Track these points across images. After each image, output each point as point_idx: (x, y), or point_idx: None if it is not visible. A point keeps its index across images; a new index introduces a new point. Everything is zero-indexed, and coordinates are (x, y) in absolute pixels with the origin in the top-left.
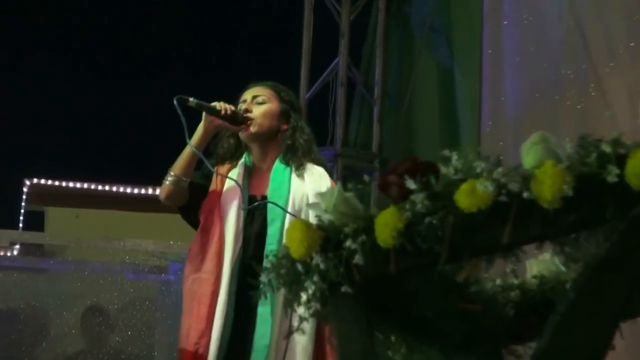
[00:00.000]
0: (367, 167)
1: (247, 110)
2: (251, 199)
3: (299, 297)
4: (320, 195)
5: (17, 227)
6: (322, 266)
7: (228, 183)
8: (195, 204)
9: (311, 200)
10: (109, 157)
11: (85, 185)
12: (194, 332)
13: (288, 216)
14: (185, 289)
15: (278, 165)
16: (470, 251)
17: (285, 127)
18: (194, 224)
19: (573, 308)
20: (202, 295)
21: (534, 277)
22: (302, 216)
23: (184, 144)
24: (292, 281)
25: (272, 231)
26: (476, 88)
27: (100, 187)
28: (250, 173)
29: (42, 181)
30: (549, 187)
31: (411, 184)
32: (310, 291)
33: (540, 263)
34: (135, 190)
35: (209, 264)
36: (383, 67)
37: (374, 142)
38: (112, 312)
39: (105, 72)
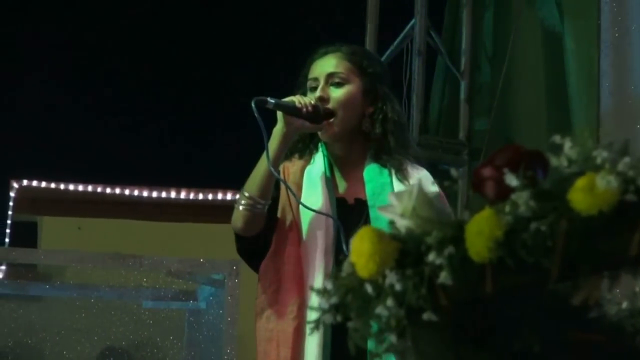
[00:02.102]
0: (453, 159)
1: (322, 99)
2: (340, 203)
3: (369, 327)
4: (396, 195)
5: (2, 243)
6: (398, 287)
7: (306, 185)
8: (271, 227)
9: None
10: (118, 153)
11: (90, 188)
12: None
13: None
14: (259, 329)
15: (372, 164)
16: (589, 266)
17: (370, 109)
18: (260, 256)
19: None
20: (282, 333)
21: None
22: None
23: (215, 140)
24: (360, 307)
25: None
26: (593, 57)
27: (108, 191)
28: (332, 170)
29: (35, 183)
30: None
31: (512, 180)
32: (383, 319)
33: None
34: (154, 194)
35: (287, 294)
36: (472, 32)
37: (462, 128)
38: (126, 350)
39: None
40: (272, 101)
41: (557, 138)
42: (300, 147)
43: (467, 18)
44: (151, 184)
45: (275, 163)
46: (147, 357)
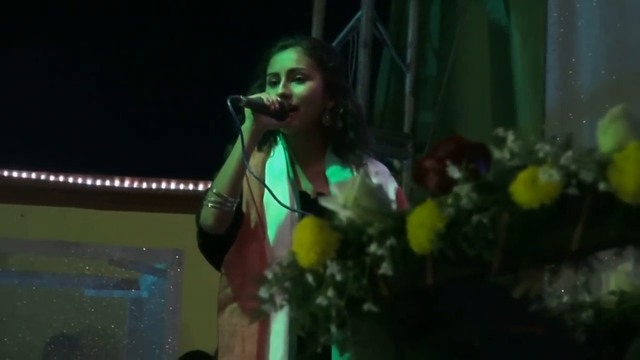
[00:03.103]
0: (397, 152)
1: (285, 96)
2: (303, 197)
3: (309, 317)
4: (338, 186)
5: None
6: (338, 277)
7: (268, 179)
8: (238, 222)
9: None
10: (64, 140)
11: (34, 176)
12: None
13: None
14: (221, 322)
15: (333, 160)
16: (529, 259)
17: (331, 103)
18: (222, 253)
19: None
20: (247, 328)
21: (612, 293)
22: None
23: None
24: (300, 297)
25: None
26: (539, 51)
27: (52, 178)
28: (293, 163)
29: None
30: (632, 175)
31: (454, 172)
32: (323, 310)
33: (620, 275)
34: (98, 182)
35: (252, 287)
36: (418, 24)
37: (407, 120)
38: (67, 338)
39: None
40: (244, 99)
41: (500, 131)
42: (260, 140)
43: (413, 10)
44: (95, 172)
45: (247, 158)
46: (89, 345)
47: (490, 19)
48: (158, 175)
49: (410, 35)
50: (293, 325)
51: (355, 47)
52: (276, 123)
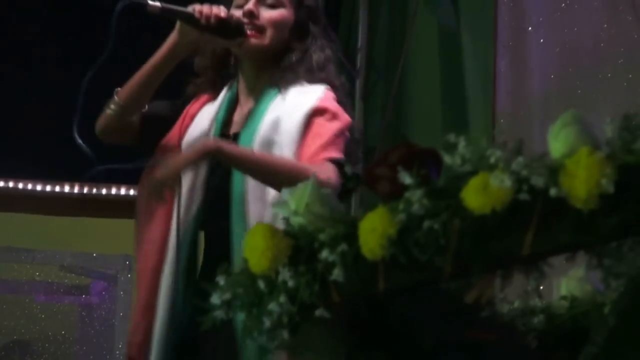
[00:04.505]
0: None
1: (251, 13)
2: (223, 138)
3: (261, 323)
4: (290, 192)
5: None
6: (290, 283)
7: (195, 121)
8: (152, 146)
9: (285, 123)
10: (12, 145)
11: None
12: (131, 326)
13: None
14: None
15: (266, 90)
16: (481, 264)
17: (296, 44)
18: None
19: (613, 338)
20: (142, 272)
21: (563, 298)
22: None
23: None
24: (252, 303)
25: (236, 186)
26: (490, 56)
27: (1, 184)
28: (234, 105)
29: None
30: (583, 181)
31: (406, 178)
32: (275, 316)
33: (571, 280)
34: (48, 188)
35: (154, 230)
36: (368, 29)
37: (356, 125)
38: (17, 344)
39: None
40: (157, 4)
41: (451, 136)
42: (208, 84)
43: (363, 15)
44: (44, 178)
45: (158, 72)
46: (39, 351)
47: (440, 24)
48: (108, 181)
49: (360, 40)
50: (244, 331)
51: None
52: (224, 42)
